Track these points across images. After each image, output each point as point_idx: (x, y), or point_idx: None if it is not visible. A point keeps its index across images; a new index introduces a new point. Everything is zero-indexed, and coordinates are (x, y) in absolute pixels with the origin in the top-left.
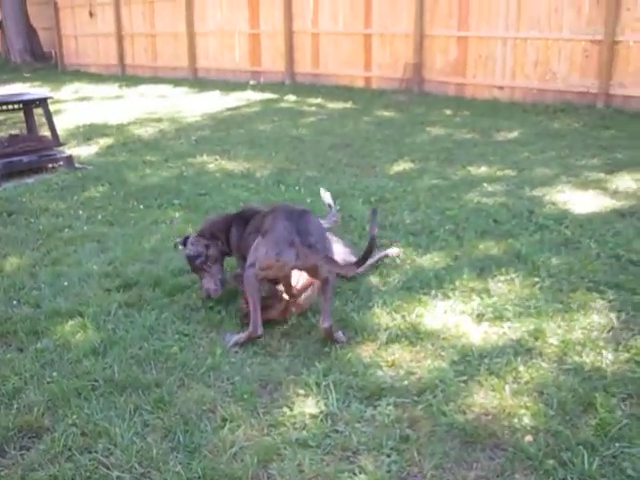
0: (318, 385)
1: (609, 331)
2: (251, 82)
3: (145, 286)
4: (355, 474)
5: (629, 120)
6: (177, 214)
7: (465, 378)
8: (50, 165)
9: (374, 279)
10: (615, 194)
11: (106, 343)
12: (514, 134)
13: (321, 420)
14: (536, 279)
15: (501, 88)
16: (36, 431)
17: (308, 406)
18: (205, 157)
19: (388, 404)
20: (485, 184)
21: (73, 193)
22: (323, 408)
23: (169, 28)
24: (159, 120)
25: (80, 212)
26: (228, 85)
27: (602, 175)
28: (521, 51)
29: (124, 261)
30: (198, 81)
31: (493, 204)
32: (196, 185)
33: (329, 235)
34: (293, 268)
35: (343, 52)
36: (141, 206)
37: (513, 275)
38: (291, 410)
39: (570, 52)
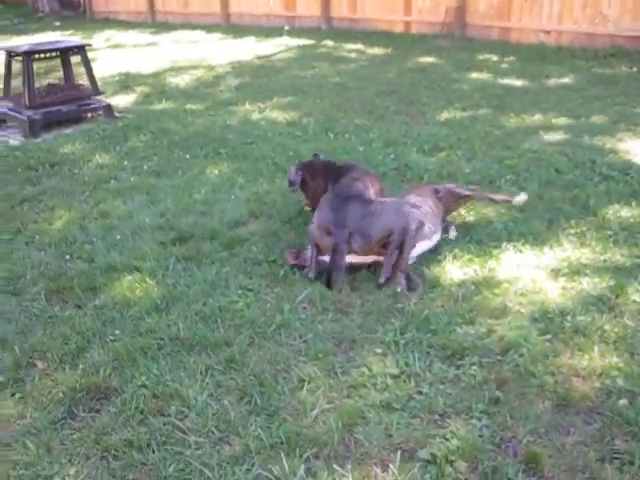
0: (396, 343)
1: None
2: (286, 27)
3: (201, 239)
4: (447, 439)
5: None
6: (225, 164)
7: (549, 337)
8: (89, 114)
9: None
10: None
11: (168, 299)
12: (565, 80)
13: (403, 381)
14: (609, 232)
15: (548, 32)
16: (104, 392)
17: (388, 366)
18: (247, 105)
19: (472, 364)
20: (542, 132)
21: (115, 143)
22: (404, 368)
23: None
24: (195, 67)
25: (125, 162)
26: (262, 31)
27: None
28: None
29: (176, 213)
30: (231, 27)
31: (552, 153)
32: (241, 134)
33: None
34: None
35: None
36: (187, 156)
37: (584, 228)
38: (370, 370)
39: None
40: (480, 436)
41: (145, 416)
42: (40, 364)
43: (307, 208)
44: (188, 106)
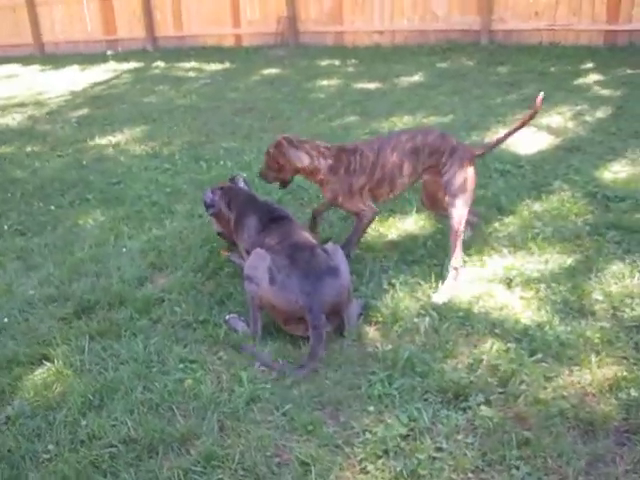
0: (387, 396)
1: None
2: (109, 52)
3: (107, 307)
4: None
5: (517, 54)
6: (98, 211)
7: (541, 356)
8: None
9: (366, 255)
10: (550, 130)
11: (99, 392)
12: (416, 78)
13: (417, 440)
14: (535, 230)
15: (382, 33)
16: None
17: (391, 426)
18: (98, 140)
19: (479, 404)
20: None
21: None
22: (411, 424)
23: (4, 0)
24: (22, 104)
25: None
26: (84, 58)
27: (527, 112)
28: None
29: (64, 278)
30: (48, 57)
31: None
32: (103, 174)
33: None
34: None
35: (208, 9)
36: (51, 207)
37: (510, 229)
38: (375, 435)
39: None
40: None
41: None
42: None
43: (218, 234)
44: (29, 149)
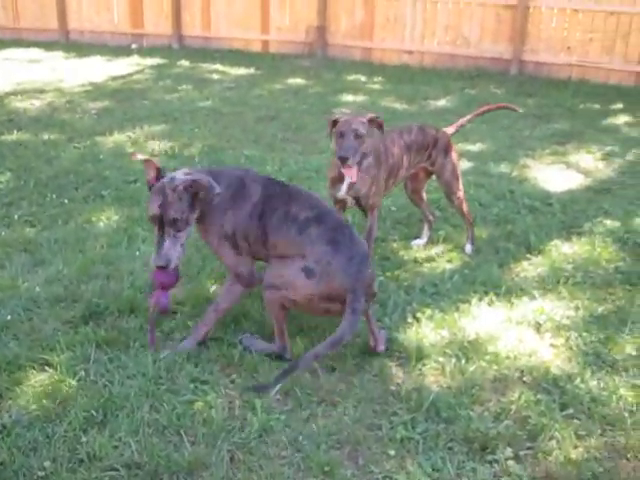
0: (410, 441)
1: None
2: (133, 46)
3: (117, 313)
4: None
5: (546, 87)
6: (112, 209)
7: (572, 411)
8: None
9: (389, 284)
10: (580, 169)
11: (103, 407)
12: (443, 102)
13: None
14: (565, 274)
15: (410, 53)
16: None
17: (413, 475)
18: (116, 134)
19: (507, 458)
20: None
21: None
22: (434, 475)
23: None
24: (42, 91)
25: None
26: (109, 49)
27: (556, 147)
28: (431, 15)
29: (72, 277)
30: (72, 45)
31: (469, 184)
32: (119, 170)
33: None
34: None
35: (237, 12)
36: (65, 200)
37: (539, 271)
38: None
39: (482, 17)
40: None
41: None
42: None
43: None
44: (46, 137)
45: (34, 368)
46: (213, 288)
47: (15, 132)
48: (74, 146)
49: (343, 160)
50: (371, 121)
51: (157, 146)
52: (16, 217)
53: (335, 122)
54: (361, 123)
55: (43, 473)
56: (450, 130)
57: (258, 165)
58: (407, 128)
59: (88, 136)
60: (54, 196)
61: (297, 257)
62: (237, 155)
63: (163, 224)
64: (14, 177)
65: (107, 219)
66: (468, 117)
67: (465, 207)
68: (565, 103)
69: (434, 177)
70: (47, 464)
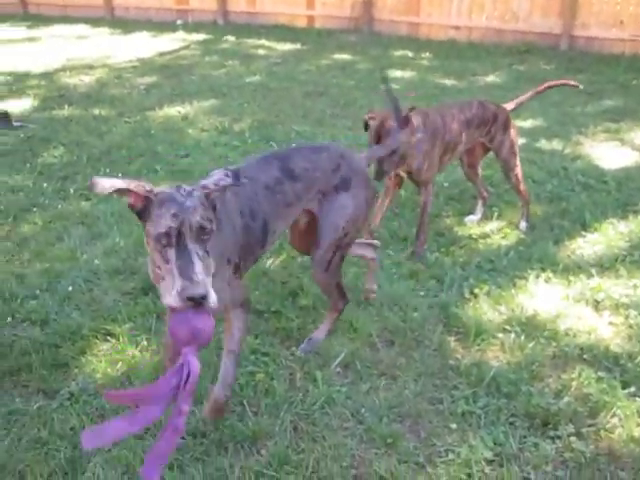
0: (471, 415)
1: None
2: (179, 22)
3: None
4: None
5: (597, 63)
6: (166, 183)
7: (633, 390)
8: None
9: (445, 260)
10: (634, 147)
11: None
12: (492, 78)
13: (502, 466)
14: (623, 253)
15: (458, 28)
16: None
17: (475, 448)
18: (166, 109)
19: (570, 434)
20: None
21: (24, 160)
22: (496, 448)
23: None
24: (91, 67)
25: (44, 184)
26: (154, 25)
27: (609, 125)
28: None
29: (129, 250)
30: (117, 21)
31: (521, 160)
32: (171, 145)
33: None
34: None
35: None
36: (118, 174)
37: (595, 248)
38: (458, 456)
39: None
40: None
41: None
42: None
43: None
44: (97, 112)
45: (97, 338)
46: (269, 262)
47: (66, 107)
48: (125, 121)
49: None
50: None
51: (206, 121)
52: (71, 191)
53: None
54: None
55: None
56: (510, 106)
57: (307, 140)
58: (467, 103)
59: (138, 111)
60: (108, 170)
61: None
62: (287, 130)
63: (182, 240)
64: (67, 152)
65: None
66: (529, 94)
67: (522, 185)
68: (617, 79)
69: (491, 154)
70: None
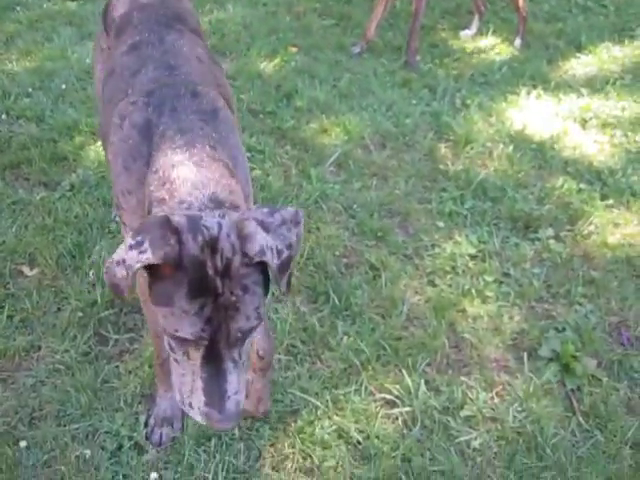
0: (458, 215)
1: None
2: None
3: None
4: (558, 330)
5: None
6: None
7: (611, 202)
8: None
9: (438, 71)
10: None
11: None
12: None
13: (484, 261)
14: (614, 75)
15: None
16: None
17: (460, 244)
18: None
19: (548, 237)
20: None
21: None
22: (480, 246)
23: None
24: None
25: None
26: None
27: None
28: None
29: None
30: None
31: None
32: None
33: None
34: None
35: None
36: None
37: (587, 69)
38: (444, 251)
39: None
40: (586, 323)
41: None
42: (29, 271)
43: None
44: None
45: (94, 134)
46: (263, 65)
47: None
48: None
49: None
50: None
51: None
52: None
53: None
54: None
55: (115, 226)
56: None
57: None
58: None
59: None
60: None
61: None
62: None
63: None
64: None
65: None
66: None
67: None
68: None
69: None
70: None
